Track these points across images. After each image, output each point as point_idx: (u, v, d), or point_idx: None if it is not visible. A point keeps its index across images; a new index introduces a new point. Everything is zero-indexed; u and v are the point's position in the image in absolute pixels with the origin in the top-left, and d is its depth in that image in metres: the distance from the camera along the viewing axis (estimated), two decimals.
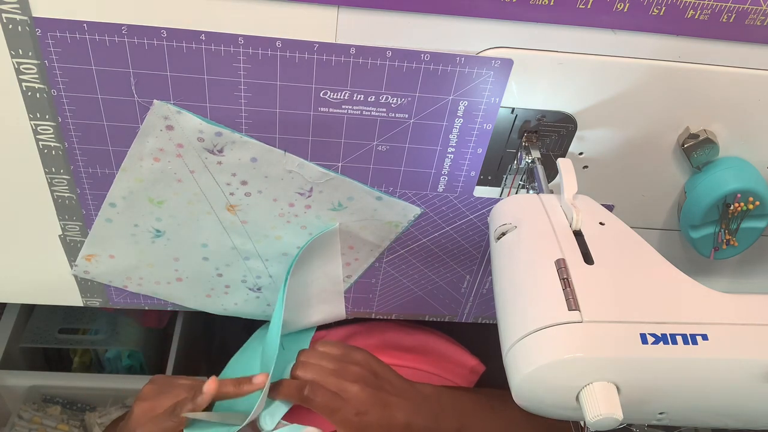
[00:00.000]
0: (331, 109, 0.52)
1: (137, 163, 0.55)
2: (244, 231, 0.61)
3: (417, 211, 0.61)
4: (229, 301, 0.69)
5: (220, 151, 0.54)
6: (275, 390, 0.57)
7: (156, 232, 0.61)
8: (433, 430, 0.60)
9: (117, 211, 0.58)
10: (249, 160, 0.55)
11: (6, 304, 1.09)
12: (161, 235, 0.61)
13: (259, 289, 0.68)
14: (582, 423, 0.40)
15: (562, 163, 0.51)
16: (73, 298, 0.68)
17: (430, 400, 0.62)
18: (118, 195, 0.57)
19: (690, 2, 0.47)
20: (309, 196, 0.59)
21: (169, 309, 0.70)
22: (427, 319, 0.74)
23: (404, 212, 0.61)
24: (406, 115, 0.53)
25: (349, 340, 0.77)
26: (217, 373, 0.79)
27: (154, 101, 0.51)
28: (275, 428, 0.56)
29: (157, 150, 0.54)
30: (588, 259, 0.44)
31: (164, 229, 0.61)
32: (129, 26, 0.46)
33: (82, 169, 0.55)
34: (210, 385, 0.54)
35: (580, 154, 0.57)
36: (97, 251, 0.62)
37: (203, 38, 0.47)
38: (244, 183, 0.57)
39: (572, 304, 0.41)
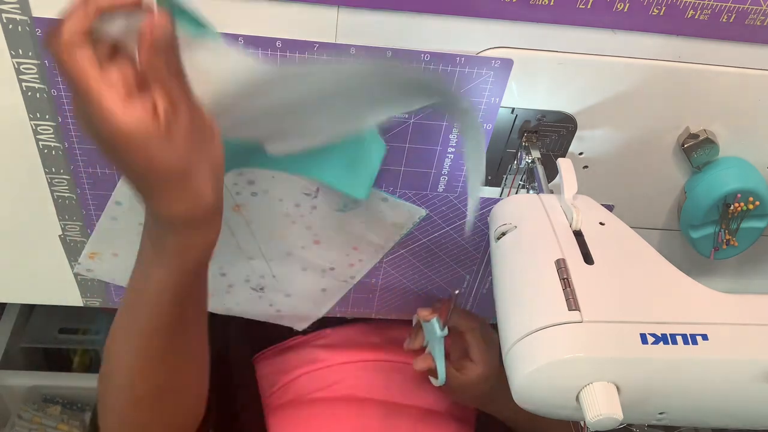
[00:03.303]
0: None
1: None
2: (249, 231, 0.61)
3: (422, 212, 0.61)
4: (231, 301, 0.69)
5: None
6: (457, 317, 0.64)
7: None
8: (509, 408, 0.67)
9: (123, 210, 0.58)
10: None
11: (6, 304, 1.09)
12: None
13: (261, 289, 0.68)
14: (582, 423, 0.40)
15: (562, 163, 0.51)
16: (73, 298, 0.68)
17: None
18: (125, 193, 0.57)
19: (690, 2, 0.47)
20: (315, 197, 0.58)
21: None
22: None
23: (409, 214, 0.61)
24: (406, 115, 0.53)
25: (353, 338, 0.78)
26: (218, 375, 0.79)
27: None
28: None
29: None
30: (588, 259, 0.44)
31: None
32: None
33: (82, 169, 0.55)
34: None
35: (580, 154, 0.57)
36: (100, 249, 0.62)
37: None
38: (251, 183, 0.57)
39: (572, 304, 0.41)
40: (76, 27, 0.35)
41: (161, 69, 0.35)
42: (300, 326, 0.74)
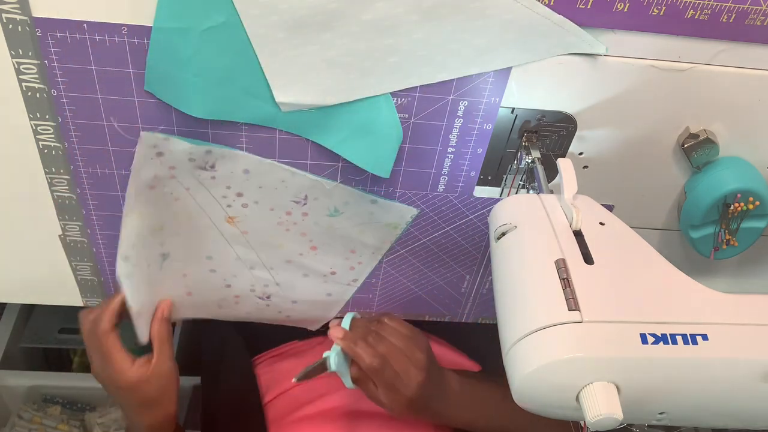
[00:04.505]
0: None
1: (136, 200, 0.55)
2: (245, 241, 0.62)
3: (414, 212, 0.61)
4: (241, 311, 0.69)
5: (212, 166, 0.54)
6: (347, 340, 0.58)
7: (162, 257, 0.61)
8: (452, 418, 0.63)
9: (132, 264, 0.57)
10: (242, 171, 0.55)
11: (6, 304, 1.09)
12: (167, 257, 0.61)
13: (268, 297, 0.68)
14: (582, 423, 0.40)
15: (562, 163, 0.51)
16: (73, 298, 0.68)
17: (462, 395, 0.63)
18: (128, 244, 0.56)
19: (690, 2, 0.47)
20: (305, 204, 0.58)
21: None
22: (427, 319, 0.74)
23: (401, 214, 0.61)
24: (406, 115, 0.53)
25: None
26: (218, 375, 0.78)
27: (141, 133, 0.51)
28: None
29: (151, 178, 0.54)
30: (588, 259, 0.44)
31: (168, 250, 0.61)
32: (129, 26, 0.46)
33: (82, 169, 0.55)
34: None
35: (580, 154, 0.57)
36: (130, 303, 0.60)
37: None
38: (239, 195, 0.57)
39: (572, 304, 0.41)
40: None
41: (167, 334, 0.64)
42: (313, 327, 0.74)
